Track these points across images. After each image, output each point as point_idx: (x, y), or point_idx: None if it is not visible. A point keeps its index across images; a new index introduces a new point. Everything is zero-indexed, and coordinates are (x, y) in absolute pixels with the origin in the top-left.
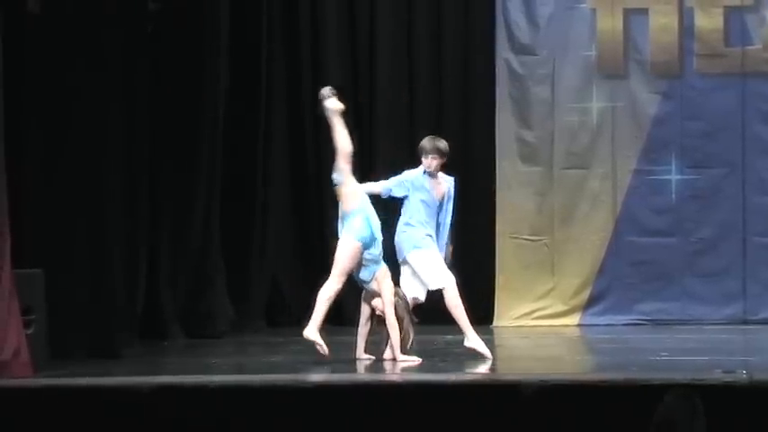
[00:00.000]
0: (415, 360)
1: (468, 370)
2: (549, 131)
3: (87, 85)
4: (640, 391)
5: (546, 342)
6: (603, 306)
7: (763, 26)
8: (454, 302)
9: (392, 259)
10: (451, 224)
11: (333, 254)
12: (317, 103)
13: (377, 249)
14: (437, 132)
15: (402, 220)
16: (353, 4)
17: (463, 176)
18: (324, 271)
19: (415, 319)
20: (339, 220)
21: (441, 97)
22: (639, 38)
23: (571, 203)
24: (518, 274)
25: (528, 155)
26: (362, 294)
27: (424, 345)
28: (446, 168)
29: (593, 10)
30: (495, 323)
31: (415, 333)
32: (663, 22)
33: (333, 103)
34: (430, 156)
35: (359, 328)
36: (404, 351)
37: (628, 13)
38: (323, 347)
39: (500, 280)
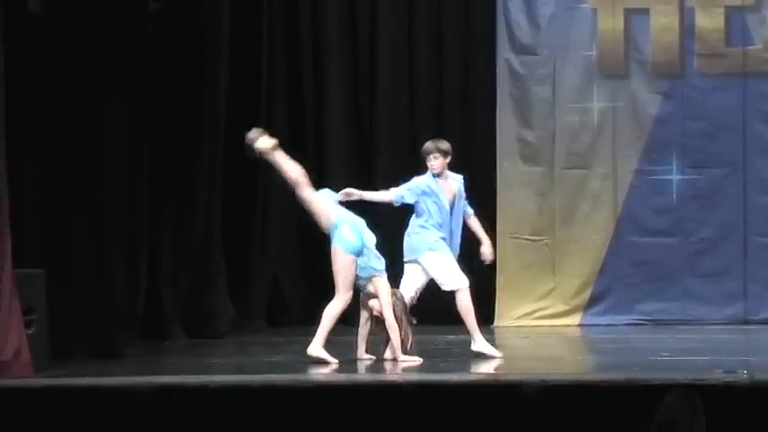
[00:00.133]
0: (416, 360)
1: (469, 370)
2: (549, 131)
3: (88, 85)
4: (641, 392)
5: (547, 342)
6: (604, 306)
7: (764, 26)
8: (466, 305)
9: (393, 258)
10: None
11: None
12: (249, 150)
13: (370, 252)
14: (438, 132)
15: (416, 221)
16: (354, 5)
17: (464, 176)
18: (324, 271)
19: (413, 321)
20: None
21: (441, 97)
22: (640, 38)
23: (572, 203)
24: (519, 274)
25: (529, 155)
26: (360, 296)
27: (425, 345)
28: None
29: (594, 10)
30: (495, 323)
31: (414, 334)
32: (664, 22)
33: (264, 143)
34: (432, 156)
35: (359, 329)
36: (404, 352)
37: (628, 13)
38: (331, 361)
39: (501, 280)
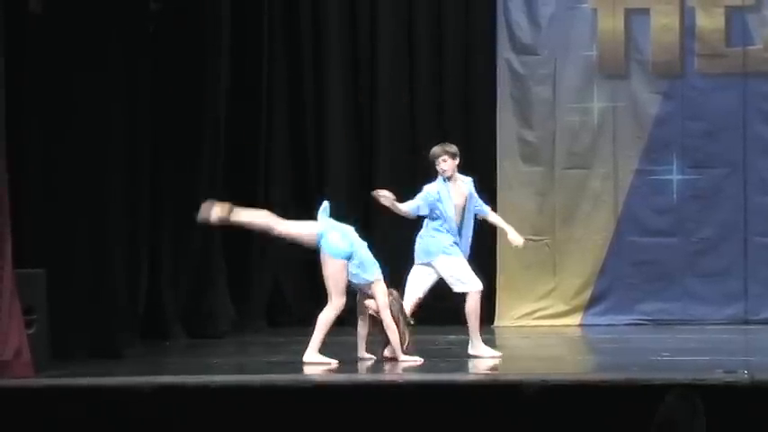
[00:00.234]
0: (416, 360)
1: (469, 370)
2: (550, 131)
3: (89, 85)
4: (641, 392)
5: (547, 342)
6: (605, 306)
7: (764, 26)
8: (473, 308)
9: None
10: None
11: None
12: (207, 224)
13: (363, 259)
14: (438, 132)
15: (430, 224)
16: (354, 5)
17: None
18: None
19: (411, 321)
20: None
21: (441, 97)
22: (640, 38)
23: (572, 203)
24: (519, 274)
25: (529, 155)
26: (357, 296)
27: (425, 345)
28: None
29: (595, 10)
30: (496, 323)
31: (411, 334)
32: (664, 22)
33: (219, 213)
34: (440, 159)
35: (358, 329)
36: (403, 351)
37: (629, 13)
38: (329, 363)
39: (501, 280)
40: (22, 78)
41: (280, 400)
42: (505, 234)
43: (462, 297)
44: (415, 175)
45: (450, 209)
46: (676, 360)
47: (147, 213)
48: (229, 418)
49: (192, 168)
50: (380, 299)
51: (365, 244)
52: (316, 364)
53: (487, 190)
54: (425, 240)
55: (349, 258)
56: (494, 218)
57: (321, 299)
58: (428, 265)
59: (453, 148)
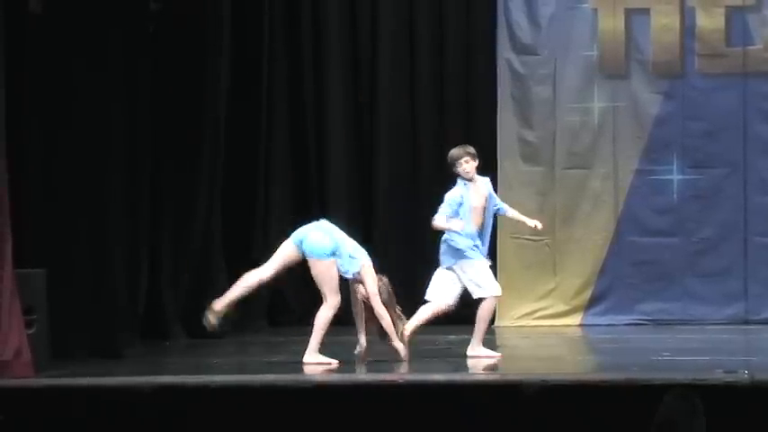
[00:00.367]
0: (402, 349)
1: (469, 370)
2: (550, 131)
3: (89, 85)
4: (641, 392)
5: (547, 342)
6: (605, 306)
7: (765, 26)
8: (485, 314)
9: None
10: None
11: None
12: (214, 327)
13: (346, 247)
14: (438, 133)
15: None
16: (355, 4)
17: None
18: None
19: (399, 309)
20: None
21: (442, 97)
22: (641, 38)
23: (572, 203)
24: (519, 274)
25: (529, 155)
26: (349, 282)
27: (426, 345)
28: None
29: (595, 10)
30: (496, 323)
31: (403, 322)
32: (664, 22)
33: (215, 313)
34: (462, 161)
35: (353, 308)
36: (398, 337)
37: (629, 13)
38: (329, 363)
39: (501, 280)
40: (22, 78)
41: (280, 400)
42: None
43: (471, 300)
44: (416, 175)
45: (471, 212)
46: (676, 360)
47: (147, 213)
48: (229, 418)
49: (192, 168)
50: (370, 285)
51: (345, 234)
52: (316, 364)
53: None
54: (447, 244)
55: (334, 254)
56: (512, 213)
57: (321, 299)
58: (450, 269)
59: (473, 150)
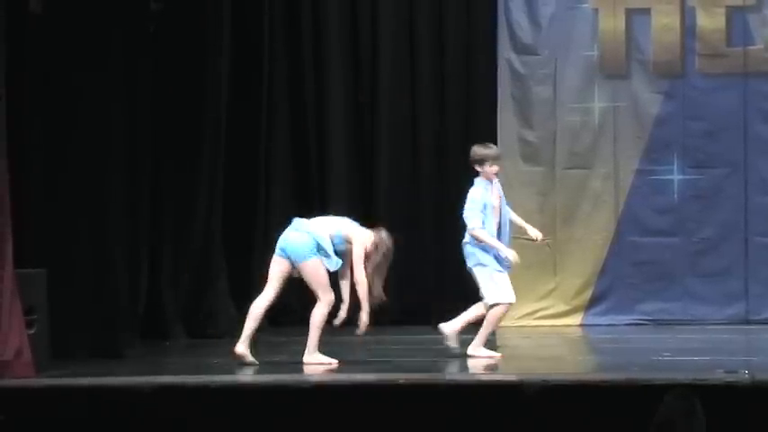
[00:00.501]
0: (364, 324)
1: (469, 370)
2: (550, 131)
3: (89, 85)
4: (641, 392)
5: (548, 342)
6: (605, 306)
7: (765, 26)
8: (493, 319)
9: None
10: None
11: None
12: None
13: (324, 240)
14: (438, 133)
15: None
16: (355, 4)
17: (464, 176)
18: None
19: (382, 283)
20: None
21: (442, 97)
22: (641, 38)
23: (573, 203)
24: (520, 274)
25: (530, 155)
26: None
27: (426, 344)
28: (450, 168)
29: (595, 10)
30: None
31: (376, 298)
32: (665, 22)
33: (240, 354)
34: (494, 163)
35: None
36: (372, 298)
37: (630, 13)
38: (329, 363)
39: None
40: (22, 78)
41: (280, 400)
42: (525, 231)
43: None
44: (416, 175)
45: (493, 211)
46: (677, 360)
47: (148, 213)
48: (230, 418)
49: (192, 168)
50: (355, 251)
51: (321, 221)
52: (316, 364)
53: None
54: (468, 248)
55: (318, 250)
56: (514, 217)
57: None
58: (470, 270)
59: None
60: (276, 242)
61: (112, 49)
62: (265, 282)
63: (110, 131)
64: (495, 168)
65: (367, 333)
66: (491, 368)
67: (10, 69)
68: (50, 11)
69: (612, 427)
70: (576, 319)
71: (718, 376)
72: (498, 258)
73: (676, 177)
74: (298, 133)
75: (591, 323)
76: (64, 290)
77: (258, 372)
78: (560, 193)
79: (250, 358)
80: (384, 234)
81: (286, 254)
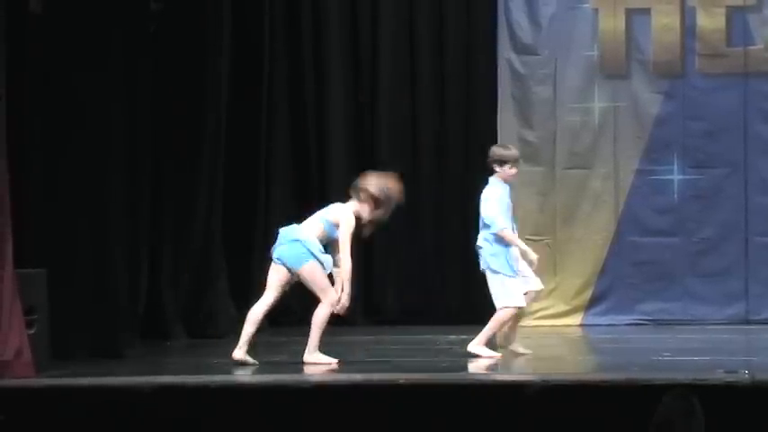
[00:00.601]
0: (343, 304)
1: (469, 370)
2: (550, 131)
3: (89, 85)
4: (641, 392)
5: (548, 342)
6: (605, 306)
7: (765, 26)
8: (499, 320)
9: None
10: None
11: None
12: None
13: (317, 247)
14: (438, 133)
15: (484, 232)
16: (355, 4)
17: (465, 176)
18: None
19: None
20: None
21: (442, 97)
22: (641, 38)
23: (573, 203)
24: None
25: (530, 155)
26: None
27: (427, 344)
28: (450, 168)
29: (596, 10)
30: None
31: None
32: (665, 22)
33: (239, 357)
34: (513, 162)
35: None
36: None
37: (630, 13)
38: (329, 363)
39: None
40: (22, 78)
41: (280, 400)
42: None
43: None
44: (416, 175)
45: (509, 213)
46: (677, 360)
47: (148, 213)
48: (229, 418)
49: (193, 168)
50: (343, 231)
51: (304, 223)
52: (316, 364)
53: None
54: (482, 251)
55: (312, 254)
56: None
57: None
58: (483, 271)
59: None
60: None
61: (112, 49)
62: (264, 288)
63: (110, 131)
64: (514, 171)
65: (345, 312)
66: (491, 368)
67: (10, 69)
68: (50, 11)
69: (612, 427)
70: (576, 319)
71: (718, 376)
72: (509, 263)
73: (676, 177)
74: (298, 133)
75: (591, 323)
76: (64, 290)
77: (258, 372)
78: (560, 193)
79: (250, 361)
80: (391, 185)
81: (281, 261)
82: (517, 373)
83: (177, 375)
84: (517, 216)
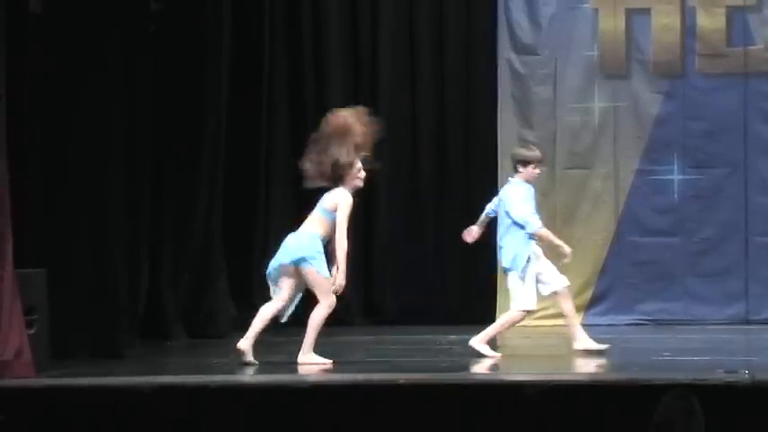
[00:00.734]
0: (339, 283)
1: (469, 370)
2: (550, 131)
3: (89, 85)
4: (642, 392)
5: (548, 342)
6: (605, 306)
7: (765, 26)
8: (507, 321)
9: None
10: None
11: (334, 254)
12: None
13: (316, 248)
14: (438, 133)
15: (512, 230)
16: (355, 5)
17: (465, 176)
18: None
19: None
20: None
21: (443, 97)
22: (641, 38)
23: (573, 203)
24: None
25: None
26: None
27: (427, 344)
28: (450, 168)
29: (596, 10)
30: None
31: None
32: (665, 22)
33: (243, 357)
34: (537, 163)
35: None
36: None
37: (630, 13)
38: (324, 363)
39: (502, 280)
40: (22, 78)
41: (279, 400)
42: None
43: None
44: (416, 175)
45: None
46: (677, 360)
47: (148, 213)
48: (229, 418)
49: (193, 168)
50: (340, 213)
51: (303, 231)
52: (310, 364)
53: (488, 190)
54: (507, 249)
55: (313, 259)
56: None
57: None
58: (506, 272)
59: None
60: (275, 246)
61: (112, 49)
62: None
63: (110, 131)
64: (537, 171)
65: (341, 294)
66: (491, 368)
67: (10, 69)
68: (50, 11)
69: (612, 427)
70: (576, 320)
71: (718, 376)
72: (524, 265)
73: (676, 177)
74: (298, 133)
75: (591, 323)
76: (64, 290)
77: (258, 372)
78: (560, 193)
79: (250, 357)
80: (333, 117)
81: (289, 259)
82: (517, 373)
83: (177, 375)
84: None
